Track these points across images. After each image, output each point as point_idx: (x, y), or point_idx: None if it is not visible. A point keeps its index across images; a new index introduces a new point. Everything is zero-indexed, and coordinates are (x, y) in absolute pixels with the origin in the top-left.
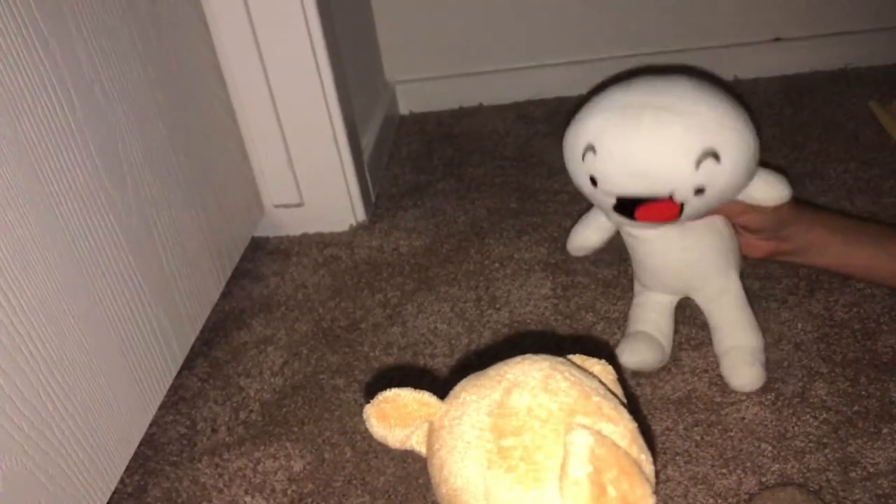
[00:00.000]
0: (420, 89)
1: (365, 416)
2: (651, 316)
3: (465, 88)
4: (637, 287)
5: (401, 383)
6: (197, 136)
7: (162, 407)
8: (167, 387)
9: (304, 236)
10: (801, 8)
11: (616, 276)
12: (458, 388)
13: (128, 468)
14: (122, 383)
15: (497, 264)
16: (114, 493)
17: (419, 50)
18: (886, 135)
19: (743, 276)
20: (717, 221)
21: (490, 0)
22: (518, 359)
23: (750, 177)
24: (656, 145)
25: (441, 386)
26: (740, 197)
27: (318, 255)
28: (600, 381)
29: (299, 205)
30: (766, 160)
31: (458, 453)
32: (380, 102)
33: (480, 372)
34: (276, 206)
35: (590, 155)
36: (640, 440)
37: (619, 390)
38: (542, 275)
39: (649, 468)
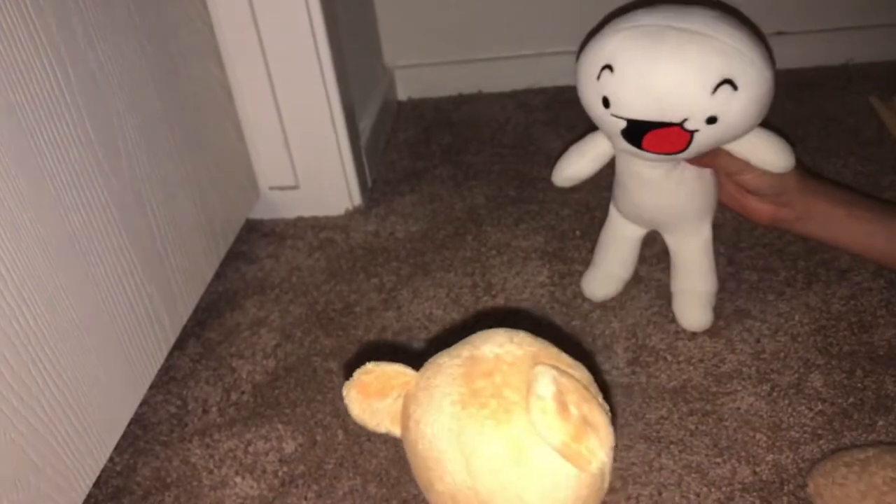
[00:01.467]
0: (419, 75)
1: (345, 391)
2: (618, 252)
3: (464, 75)
4: (612, 211)
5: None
6: (193, 115)
7: (153, 386)
8: (158, 366)
9: (300, 219)
10: (804, 3)
11: None
12: (432, 358)
13: (117, 447)
14: (113, 361)
15: (494, 251)
16: (102, 471)
17: (419, 35)
18: (886, 131)
19: (742, 267)
20: (708, 173)
21: None
22: (483, 331)
23: (762, 114)
24: (675, 66)
25: (419, 361)
26: (745, 153)
27: (314, 239)
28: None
29: (295, 187)
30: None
31: (433, 403)
32: (378, 87)
33: (454, 345)
34: (272, 189)
35: (606, 74)
36: (596, 388)
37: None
38: (538, 262)
39: (605, 410)
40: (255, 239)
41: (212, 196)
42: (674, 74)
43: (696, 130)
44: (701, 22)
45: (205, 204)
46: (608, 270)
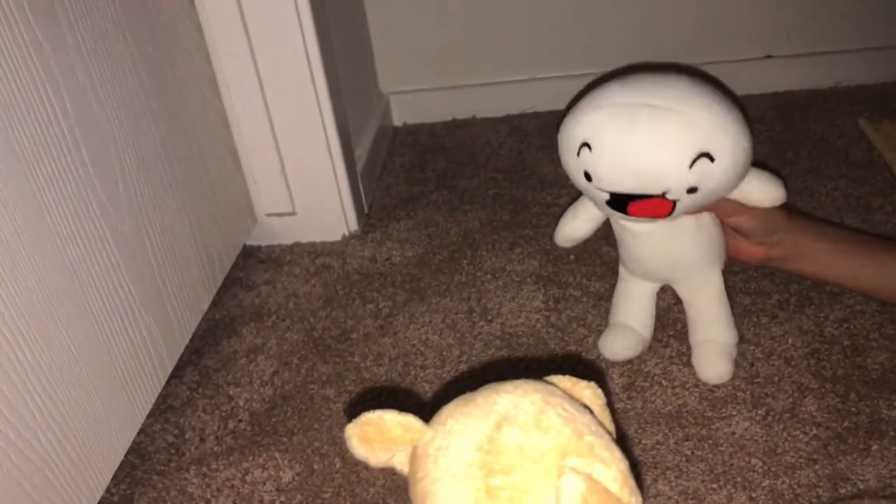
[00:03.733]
0: (414, 101)
1: (346, 436)
2: (632, 308)
3: (458, 101)
4: (622, 271)
5: (385, 403)
6: (190, 144)
7: (150, 415)
8: (156, 395)
9: (297, 245)
10: (793, 26)
11: (608, 289)
12: (444, 413)
13: (114, 477)
14: (110, 391)
15: (489, 276)
16: (100, 502)
17: (413, 62)
18: (876, 153)
19: (735, 290)
20: (707, 219)
21: (484, 13)
22: (509, 386)
23: (742, 177)
24: (651, 145)
25: (427, 407)
26: (736, 196)
27: (310, 265)
28: (591, 411)
29: (292, 214)
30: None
31: (443, 486)
32: (373, 113)
33: (468, 396)
34: (269, 215)
35: (585, 151)
36: (632, 481)
37: (607, 416)
38: (534, 287)
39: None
40: (252, 265)
41: (209, 224)
42: (651, 154)
43: (678, 200)
44: (674, 97)
45: (202, 231)
46: (624, 327)
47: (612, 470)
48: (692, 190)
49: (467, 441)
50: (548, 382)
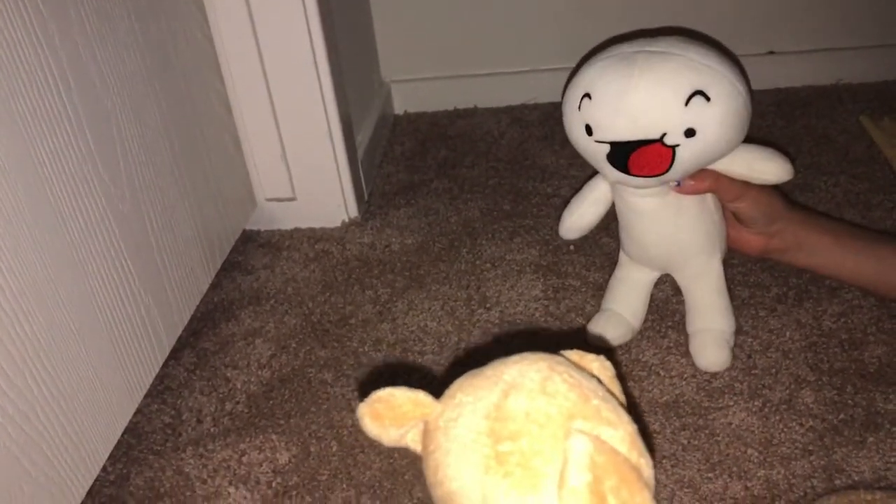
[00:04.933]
0: (416, 89)
1: (358, 415)
2: (627, 296)
3: (460, 90)
4: (622, 257)
5: (393, 380)
6: (192, 126)
7: (147, 396)
8: (153, 376)
9: (296, 230)
10: (795, 23)
11: (607, 279)
12: (453, 387)
13: (111, 456)
14: (108, 370)
15: (489, 265)
16: (96, 480)
17: (416, 50)
18: (876, 149)
19: (734, 283)
20: (711, 205)
21: (487, 3)
22: (516, 357)
23: (742, 130)
24: (648, 84)
25: (435, 384)
26: (743, 171)
27: (310, 250)
28: (598, 380)
29: (292, 199)
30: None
31: (454, 456)
32: (375, 101)
33: (476, 371)
34: (269, 200)
35: (585, 101)
36: (640, 443)
37: (617, 387)
38: (533, 276)
39: (649, 472)
40: (252, 250)
41: (209, 206)
42: (646, 91)
43: (677, 145)
44: (670, 44)
45: (202, 214)
46: (616, 314)
47: (619, 432)
48: (690, 133)
49: (476, 411)
50: (555, 354)
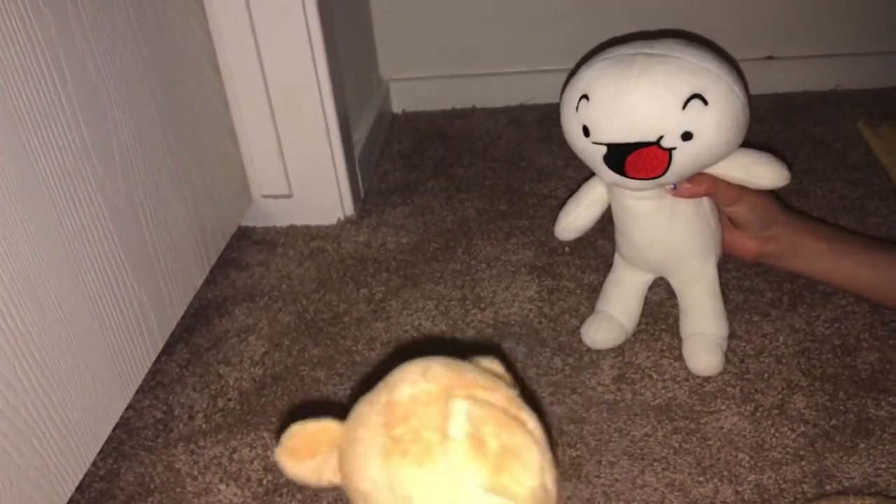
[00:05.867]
0: (414, 88)
1: (277, 459)
2: (620, 299)
3: (458, 90)
4: (616, 260)
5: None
6: (188, 121)
7: (139, 391)
8: (146, 371)
9: (292, 228)
10: (795, 28)
11: (602, 282)
12: (354, 407)
13: (101, 451)
14: (100, 365)
15: (483, 265)
16: (85, 475)
17: (415, 49)
18: (873, 156)
19: (728, 287)
20: (707, 208)
21: (487, 3)
22: (406, 364)
23: (739, 134)
24: (645, 86)
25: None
26: (740, 176)
27: (305, 247)
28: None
29: (288, 196)
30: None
31: (360, 458)
32: (373, 99)
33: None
34: (265, 197)
35: (583, 103)
36: (520, 402)
37: (508, 379)
38: (527, 277)
39: (533, 423)
40: (247, 246)
41: (204, 202)
42: (643, 93)
43: (674, 148)
44: (668, 47)
45: (197, 209)
46: (610, 317)
47: (496, 394)
48: (687, 136)
49: (371, 413)
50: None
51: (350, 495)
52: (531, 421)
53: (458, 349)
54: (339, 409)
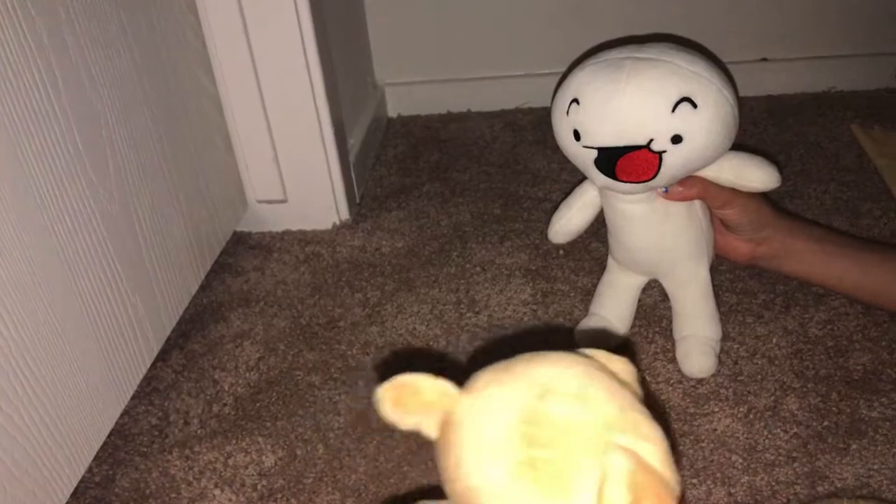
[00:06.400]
0: (409, 93)
1: (379, 396)
2: (614, 301)
3: (453, 94)
4: (610, 262)
5: (412, 367)
6: (182, 127)
7: (134, 397)
8: (141, 377)
9: (287, 233)
10: (789, 30)
11: (595, 284)
12: (480, 381)
13: (96, 457)
14: (94, 371)
15: (478, 268)
16: (81, 481)
17: (409, 53)
18: (866, 158)
19: (721, 289)
20: (699, 211)
21: (482, 7)
22: (549, 357)
23: (729, 137)
24: (635, 89)
25: (456, 375)
26: (731, 178)
27: (300, 252)
28: (629, 387)
29: (283, 201)
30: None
31: (483, 455)
32: (368, 104)
33: (504, 365)
34: (260, 202)
35: (574, 107)
36: (671, 460)
37: (640, 391)
38: (522, 280)
39: (678, 489)
40: (242, 251)
41: (199, 208)
42: (633, 96)
43: (664, 151)
44: (658, 51)
45: (192, 215)
46: (604, 319)
47: (656, 448)
48: (677, 139)
49: (509, 410)
50: (584, 355)
51: (447, 468)
52: (677, 486)
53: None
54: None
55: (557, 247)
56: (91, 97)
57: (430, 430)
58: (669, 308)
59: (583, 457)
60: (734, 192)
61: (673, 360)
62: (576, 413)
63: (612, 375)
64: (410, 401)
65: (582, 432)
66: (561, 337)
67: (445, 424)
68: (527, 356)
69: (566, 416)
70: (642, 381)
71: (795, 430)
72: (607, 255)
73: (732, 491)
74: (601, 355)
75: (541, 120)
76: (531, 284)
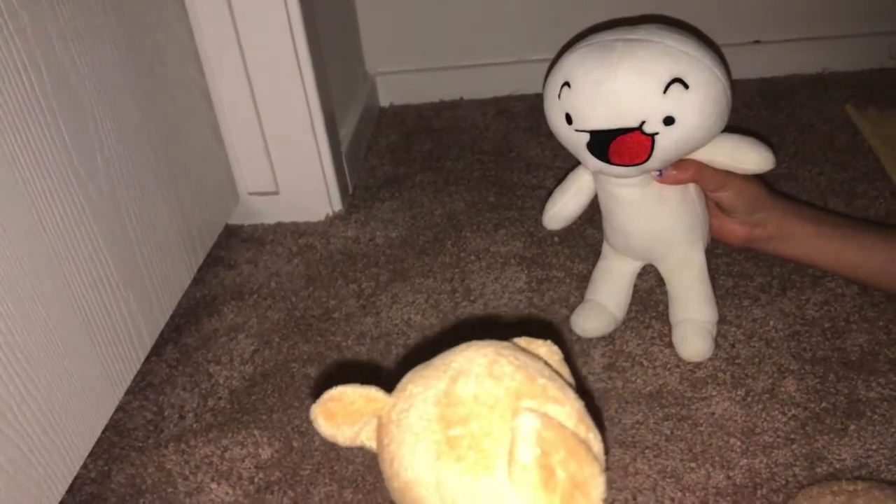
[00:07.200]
0: (400, 81)
1: (312, 416)
2: (610, 286)
3: (445, 82)
4: (605, 248)
5: (349, 380)
6: (171, 120)
7: (129, 392)
8: (135, 372)
9: (279, 225)
10: (781, 11)
11: (591, 270)
12: (404, 380)
13: (92, 453)
14: (88, 367)
15: (473, 257)
16: (76, 477)
17: (400, 42)
18: (861, 139)
19: (717, 273)
20: (693, 194)
21: None
22: (463, 346)
23: (721, 118)
24: (626, 71)
25: (390, 380)
26: (725, 161)
27: (293, 244)
28: (546, 363)
29: (275, 193)
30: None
31: (407, 446)
32: (359, 93)
33: (426, 363)
34: (252, 194)
35: (565, 90)
36: (588, 419)
37: (565, 370)
38: (517, 268)
39: (598, 447)
40: (235, 244)
41: (190, 201)
42: (624, 78)
43: (656, 133)
44: (649, 32)
45: (182, 209)
46: (599, 305)
47: (566, 408)
48: (669, 121)
49: (426, 400)
50: (504, 342)
51: (384, 470)
52: (596, 443)
53: (512, 326)
54: (372, 375)
55: (552, 234)
56: (77, 91)
57: (369, 440)
58: (665, 293)
59: (496, 426)
60: (729, 175)
61: (670, 344)
62: (485, 388)
63: (529, 355)
64: (341, 412)
65: (492, 405)
66: (556, 324)
67: (378, 429)
68: (446, 351)
69: (476, 393)
70: (568, 361)
71: (793, 411)
72: (602, 241)
73: (731, 474)
74: (522, 341)
75: (533, 107)
76: (526, 272)
